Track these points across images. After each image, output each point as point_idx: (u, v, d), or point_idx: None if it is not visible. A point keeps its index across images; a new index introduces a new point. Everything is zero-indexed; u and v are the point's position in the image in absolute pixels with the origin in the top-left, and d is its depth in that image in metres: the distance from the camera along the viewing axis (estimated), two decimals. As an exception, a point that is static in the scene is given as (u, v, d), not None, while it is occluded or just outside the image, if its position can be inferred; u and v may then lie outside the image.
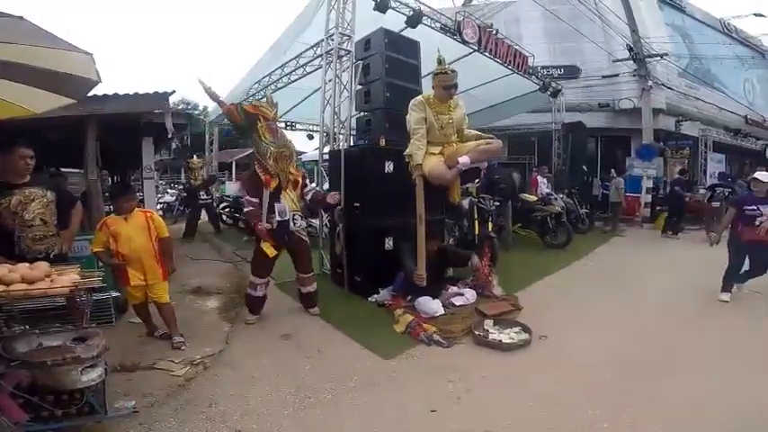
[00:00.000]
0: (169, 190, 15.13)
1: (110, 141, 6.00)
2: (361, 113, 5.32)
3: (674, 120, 13.96)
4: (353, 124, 5.50)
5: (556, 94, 11.69)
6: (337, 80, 5.39)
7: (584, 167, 11.40)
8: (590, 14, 13.06)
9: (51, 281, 2.00)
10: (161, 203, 12.82)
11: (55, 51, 2.30)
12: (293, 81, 8.34)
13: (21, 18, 2.04)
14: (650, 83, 12.68)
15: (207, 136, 12.10)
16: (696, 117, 14.78)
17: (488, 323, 3.69)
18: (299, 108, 10.89)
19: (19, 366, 1.83)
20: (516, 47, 9.82)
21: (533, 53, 10.72)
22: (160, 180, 19.78)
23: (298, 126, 12.92)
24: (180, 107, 31.91)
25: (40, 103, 2.77)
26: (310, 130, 12.77)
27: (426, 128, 3.87)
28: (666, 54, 13.03)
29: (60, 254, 2.87)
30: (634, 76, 13.10)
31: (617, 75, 13.64)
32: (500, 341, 3.42)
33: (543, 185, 9.01)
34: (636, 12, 13.85)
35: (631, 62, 12.88)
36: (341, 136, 5.53)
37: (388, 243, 4.65)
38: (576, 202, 9.01)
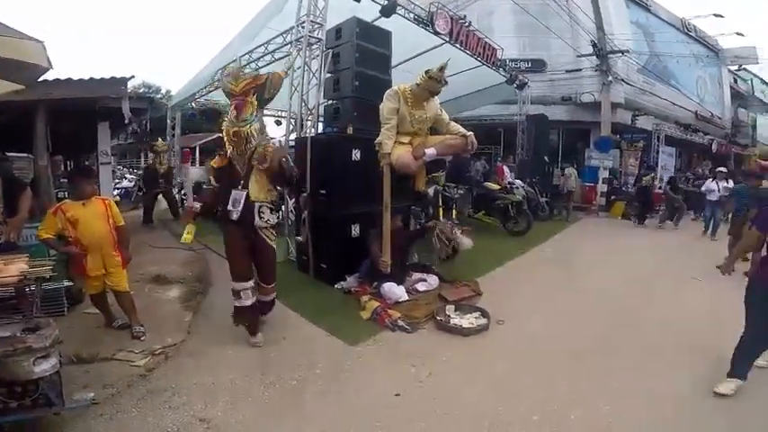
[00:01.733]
0: (127, 175, 14.51)
1: (63, 126, 5.70)
2: (330, 101, 5.29)
3: (631, 114, 14.63)
4: (321, 112, 5.47)
5: (522, 86, 12.00)
6: (306, 68, 5.33)
7: (546, 158, 11.80)
8: (559, 10, 13.37)
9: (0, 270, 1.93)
10: (118, 189, 12.28)
11: (6, 39, 2.26)
12: (261, 67, 8.14)
13: None
14: (610, 78, 13.15)
15: (168, 120, 11.65)
16: (651, 112, 15.48)
17: (450, 308, 3.85)
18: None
19: None
20: (486, 39, 9.99)
21: (503, 46, 10.90)
22: (118, 165, 18.91)
23: (265, 112, 12.63)
24: (141, 90, 30.45)
25: None
26: (278, 116, 12.57)
27: (398, 118, 3.92)
28: (628, 51, 13.51)
29: (8, 242, 2.78)
30: (596, 71, 13.52)
31: (580, 69, 14.12)
32: (460, 326, 3.58)
33: (508, 174, 9.27)
34: (603, 9, 14.20)
35: (595, 58, 13.30)
36: (308, 123, 5.49)
37: (354, 230, 4.70)
38: (537, 191, 9.38)
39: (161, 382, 2.69)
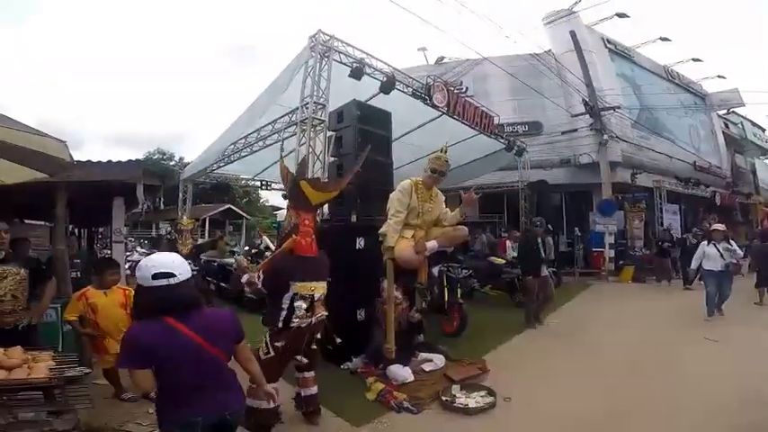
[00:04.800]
0: (138, 248, 14.75)
1: (79, 201, 5.98)
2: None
3: (630, 172, 14.49)
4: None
5: (521, 152, 12.04)
6: (311, 150, 5.59)
7: (550, 226, 11.81)
8: (547, 71, 13.80)
9: (29, 367, 2.16)
10: (129, 261, 12.45)
11: (30, 135, 2.53)
12: (269, 145, 8.55)
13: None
14: (606, 136, 13.23)
15: (180, 193, 12.10)
16: (649, 168, 15.40)
17: (456, 388, 3.78)
18: (275, 167, 11.07)
19: None
20: (483, 108, 10.29)
21: (499, 110, 11.16)
22: (129, 237, 19.28)
23: (273, 186, 13.10)
24: (156, 156, 31.87)
25: (11, 175, 3.00)
26: (285, 190, 12.90)
27: (407, 211, 4.01)
28: (619, 107, 13.69)
29: (29, 324, 3.03)
30: (591, 130, 13.62)
31: (575, 130, 14.21)
32: (466, 405, 3.51)
33: (510, 249, 9.27)
34: (590, 65, 14.52)
35: (588, 116, 13.46)
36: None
37: (360, 314, 4.71)
38: None
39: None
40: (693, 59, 19.41)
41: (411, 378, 4.03)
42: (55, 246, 5.22)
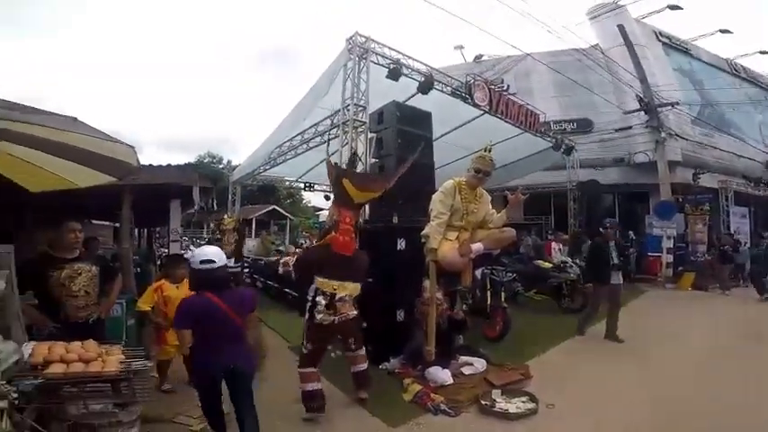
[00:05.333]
0: (191, 246, 15.60)
1: (140, 201, 6.46)
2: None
3: (692, 172, 13.46)
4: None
5: (569, 151, 11.66)
6: (353, 152, 5.68)
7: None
8: (596, 67, 13.12)
9: (103, 361, 2.29)
10: (184, 259, 13.19)
11: (102, 141, 2.70)
12: (312, 148, 8.78)
13: (75, 119, 2.43)
14: (663, 134, 12.37)
15: (230, 195, 12.69)
16: (714, 167, 14.32)
17: (496, 393, 3.70)
18: (318, 169, 11.40)
19: (72, 426, 2.11)
20: (528, 106, 10.01)
21: (544, 107, 10.80)
22: (183, 236, 20.45)
23: (316, 187, 13.47)
24: (206, 160, 33.72)
25: (84, 178, 3.19)
26: (328, 191, 13.28)
27: (450, 213, 3.94)
28: (677, 102, 12.79)
29: (99, 318, 3.23)
30: (647, 127, 12.78)
31: (630, 127, 13.39)
32: (506, 410, 3.43)
33: (557, 252, 8.88)
34: (643, 60, 13.66)
35: (643, 113, 12.62)
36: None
37: (400, 315, 4.71)
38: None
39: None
40: (761, 52, 17.94)
41: (450, 381, 3.98)
42: (121, 244, 5.63)
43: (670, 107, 12.62)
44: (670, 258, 11.14)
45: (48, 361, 2.21)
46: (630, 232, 11.59)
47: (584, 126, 14.53)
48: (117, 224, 8.75)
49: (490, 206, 4.19)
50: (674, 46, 15.85)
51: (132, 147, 2.88)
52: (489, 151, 4.04)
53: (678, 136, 13.15)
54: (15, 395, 1.82)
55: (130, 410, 2.27)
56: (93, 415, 2.18)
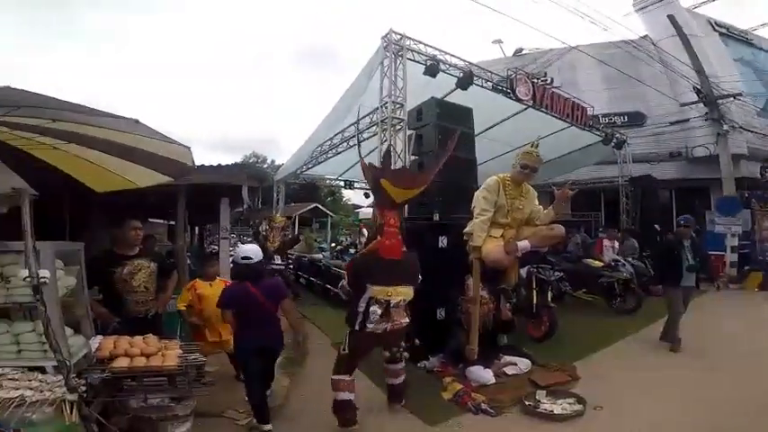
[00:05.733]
0: (239, 243, 16.23)
1: (192, 199, 6.82)
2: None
3: (759, 165, 12.55)
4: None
5: (620, 145, 11.26)
6: (393, 149, 5.70)
7: (657, 226, 10.54)
8: (648, 59, 12.59)
9: (163, 355, 2.41)
10: (232, 255, 13.78)
11: (160, 142, 2.86)
12: (352, 146, 8.89)
13: (137, 121, 2.59)
14: (726, 127, 11.55)
15: (274, 194, 13.11)
16: None
17: (541, 393, 3.60)
18: (357, 167, 11.51)
19: (132, 419, 2.23)
20: (575, 99, 9.72)
21: (592, 100, 10.45)
22: (231, 233, 21.33)
23: (356, 185, 13.66)
24: (251, 160, 35.07)
25: (144, 179, 3.33)
26: (367, 189, 13.39)
27: (494, 210, 3.88)
28: (740, 94, 11.92)
29: (157, 313, 3.42)
30: (706, 119, 12.01)
31: (687, 120, 12.72)
32: (551, 412, 3.33)
33: (609, 250, 8.41)
34: (699, 51, 12.93)
35: (702, 105, 11.89)
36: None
37: (440, 313, 4.67)
38: (648, 266, 8.29)
39: (259, 443, 2.90)
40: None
41: (492, 380, 3.91)
42: (176, 242, 5.95)
43: (732, 99, 11.75)
44: (734, 257, 10.33)
45: (113, 355, 2.33)
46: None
47: (636, 119, 13.96)
48: (171, 222, 9.31)
49: (537, 202, 4.08)
50: (732, 36, 14.90)
51: (188, 147, 2.97)
52: (536, 146, 3.94)
53: (743, 128, 12.28)
54: (84, 388, 1.92)
55: (185, 404, 2.34)
56: (152, 408, 2.26)
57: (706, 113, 11.95)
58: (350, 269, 3.29)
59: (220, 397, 3.56)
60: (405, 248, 3.33)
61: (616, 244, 8.63)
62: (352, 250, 10.94)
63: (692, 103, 12.10)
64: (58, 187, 3.35)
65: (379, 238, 3.20)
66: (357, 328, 3.10)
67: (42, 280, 1.83)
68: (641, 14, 14.95)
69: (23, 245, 1.85)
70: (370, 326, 3.05)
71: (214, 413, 3.28)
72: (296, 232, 19.96)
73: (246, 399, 3.16)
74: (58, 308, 2.17)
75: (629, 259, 7.98)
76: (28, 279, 1.80)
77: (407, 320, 3.25)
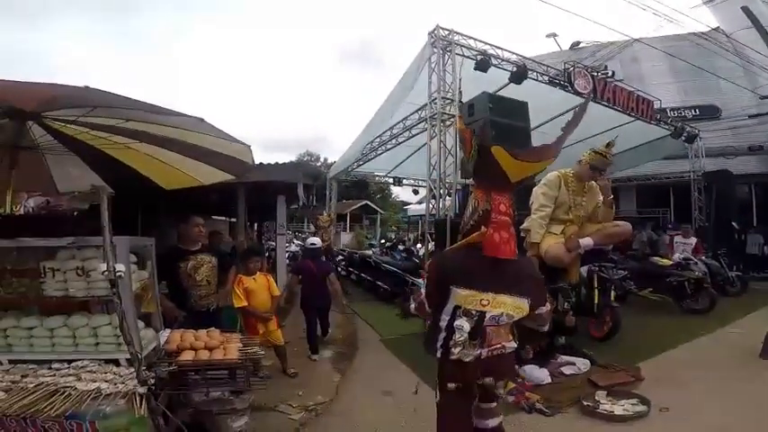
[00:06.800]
0: (295, 240, 16.80)
1: (249, 197, 7.17)
2: (468, 180, 5.48)
3: None
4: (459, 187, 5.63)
5: (692, 139, 10.56)
6: (442, 146, 5.66)
7: (734, 224, 9.76)
8: (720, 50, 11.73)
9: (224, 348, 2.45)
10: (288, 252, 14.34)
11: (223, 141, 2.98)
12: (401, 142, 8.92)
13: (201, 120, 2.72)
14: None
15: (327, 191, 13.43)
16: None
17: (600, 394, 3.42)
18: (405, 163, 11.59)
19: (193, 413, 2.26)
20: (639, 92, 9.24)
21: (659, 94, 9.95)
22: (288, 231, 22.21)
23: (404, 181, 13.70)
24: (305, 159, 36.12)
25: (208, 176, 3.53)
26: (416, 185, 13.41)
27: (555, 205, 3.75)
28: None
29: (218, 306, 3.52)
30: None
31: None
32: (612, 412, 3.15)
33: (680, 247, 7.87)
34: None
35: None
36: (448, 199, 5.70)
37: None
38: (724, 264, 7.71)
39: (311, 438, 2.98)
40: None
41: (548, 380, 3.77)
42: (237, 238, 6.25)
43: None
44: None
45: (180, 348, 2.38)
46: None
47: (710, 113, 12.92)
48: (232, 219, 9.82)
49: (600, 198, 3.90)
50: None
51: (248, 146, 3.10)
52: (610, 147, 3.74)
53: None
54: (153, 381, 1.94)
55: (244, 398, 2.34)
56: (213, 402, 2.27)
57: (791, 105, 10.96)
58: (433, 269, 2.30)
59: (273, 391, 3.63)
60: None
61: (692, 240, 8.03)
62: (400, 246, 11.04)
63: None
64: (130, 185, 3.57)
65: (483, 228, 2.15)
66: (438, 354, 2.14)
67: (119, 274, 1.85)
68: (710, 6, 13.81)
69: (102, 240, 1.88)
70: (455, 350, 2.06)
71: (267, 407, 3.35)
72: (348, 230, 20.39)
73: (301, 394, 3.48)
74: (132, 301, 2.22)
75: (703, 257, 7.38)
76: (106, 273, 1.83)
77: (514, 345, 2.21)
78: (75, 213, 5.71)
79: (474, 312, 2.04)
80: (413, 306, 2.42)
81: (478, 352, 2.04)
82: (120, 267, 1.89)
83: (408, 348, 4.62)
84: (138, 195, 5.19)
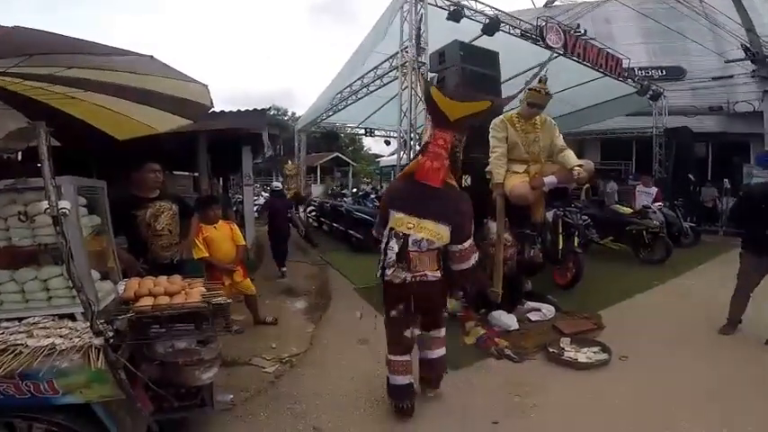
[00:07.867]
0: (263, 193, 16.58)
1: (213, 149, 6.82)
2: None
3: None
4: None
5: (656, 97, 10.94)
6: (413, 92, 5.52)
7: (691, 176, 10.24)
8: (691, 13, 11.98)
9: (186, 294, 2.29)
10: (256, 205, 14.01)
11: (178, 82, 2.68)
12: (372, 91, 8.70)
13: (151, 57, 2.43)
14: None
15: (296, 143, 13.03)
16: None
17: (565, 341, 3.59)
18: (377, 115, 11.33)
19: (158, 365, 2.15)
20: (609, 50, 9.36)
21: (629, 54, 10.12)
22: (255, 184, 21.69)
23: (376, 132, 13.49)
24: (272, 113, 34.77)
25: (164, 123, 3.19)
26: (387, 136, 13.26)
27: (509, 146, 3.83)
28: None
29: (182, 259, 3.31)
30: (753, 77, 11.75)
31: (731, 76, 12.30)
32: (575, 359, 3.32)
33: (643, 196, 8.20)
34: (750, 8, 12.35)
35: (748, 63, 11.58)
36: (418, 147, 5.66)
37: None
38: (679, 215, 8.06)
39: (285, 389, 2.99)
40: None
41: (515, 326, 3.89)
42: (201, 191, 5.95)
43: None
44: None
45: (138, 295, 2.22)
46: (725, 181, 10.58)
47: (676, 73, 13.38)
48: (196, 174, 9.38)
49: (558, 134, 3.98)
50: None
51: (206, 85, 2.76)
52: (544, 82, 3.83)
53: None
54: (111, 334, 1.81)
55: (211, 347, 2.23)
56: (179, 353, 2.16)
57: (754, 71, 11.63)
58: (383, 196, 2.78)
59: (246, 345, 3.63)
60: (454, 183, 2.70)
61: (653, 190, 8.37)
62: (372, 195, 11.04)
63: (740, 60, 11.67)
64: (82, 141, 3.24)
65: (420, 157, 2.54)
66: (378, 274, 2.52)
67: (62, 210, 1.67)
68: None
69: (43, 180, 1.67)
70: (388, 271, 2.45)
71: (241, 362, 3.33)
72: (318, 182, 20.13)
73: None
74: (82, 246, 2.04)
75: (661, 205, 7.70)
76: (48, 210, 1.65)
77: (438, 275, 2.49)
78: (20, 160, 5.19)
79: (401, 235, 2.41)
80: (375, 232, 2.78)
81: (404, 276, 2.41)
82: (65, 204, 1.69)
83: (382, 296, 4.64)
84: (92, 152, 4.79)
